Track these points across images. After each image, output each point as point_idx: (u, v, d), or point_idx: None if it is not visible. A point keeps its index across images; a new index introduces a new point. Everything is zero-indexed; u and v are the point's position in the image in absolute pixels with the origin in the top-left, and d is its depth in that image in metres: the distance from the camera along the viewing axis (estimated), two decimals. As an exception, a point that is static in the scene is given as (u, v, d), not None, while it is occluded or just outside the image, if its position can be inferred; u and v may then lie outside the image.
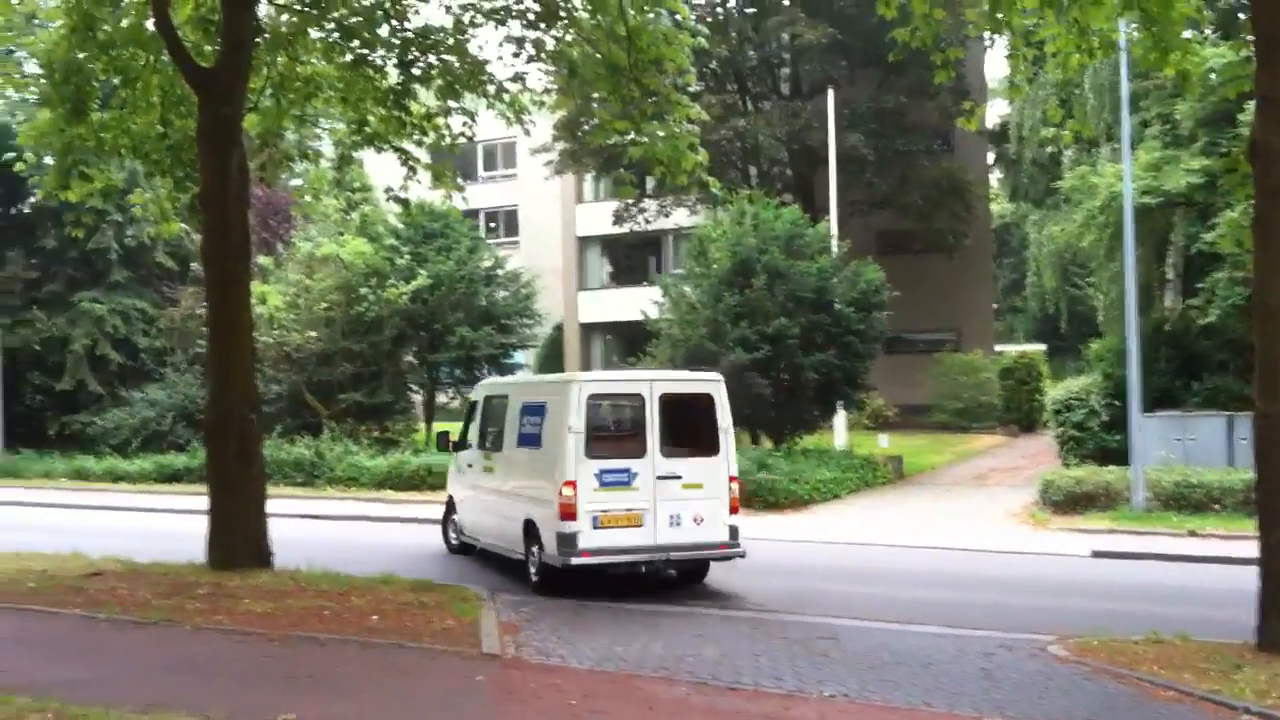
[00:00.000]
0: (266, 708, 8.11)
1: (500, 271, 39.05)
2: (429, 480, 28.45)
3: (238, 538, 15.24)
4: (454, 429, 19.89)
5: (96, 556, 16.40)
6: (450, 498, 19.42)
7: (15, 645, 10.42)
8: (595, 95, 18.71)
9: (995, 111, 48.56)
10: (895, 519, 23.57)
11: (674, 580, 15.85)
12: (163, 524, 23.77)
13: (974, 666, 10.48)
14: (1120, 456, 24.43)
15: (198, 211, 17.59)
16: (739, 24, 41.09)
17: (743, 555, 15.18)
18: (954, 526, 22.27)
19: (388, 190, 18.87)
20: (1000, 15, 13.47)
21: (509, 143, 52.13)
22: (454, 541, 19.08)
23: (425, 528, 21.44)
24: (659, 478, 14.77)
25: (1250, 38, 12.90)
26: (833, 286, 28.58)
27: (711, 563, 15.64)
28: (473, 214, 48.52)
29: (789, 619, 12.81)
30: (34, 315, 39.94)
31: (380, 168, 27.45)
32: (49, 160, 19.26)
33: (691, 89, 26.77)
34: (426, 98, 17.99)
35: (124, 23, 16.98)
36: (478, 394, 19.09)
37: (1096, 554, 18.87)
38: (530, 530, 15.45)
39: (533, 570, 15.35)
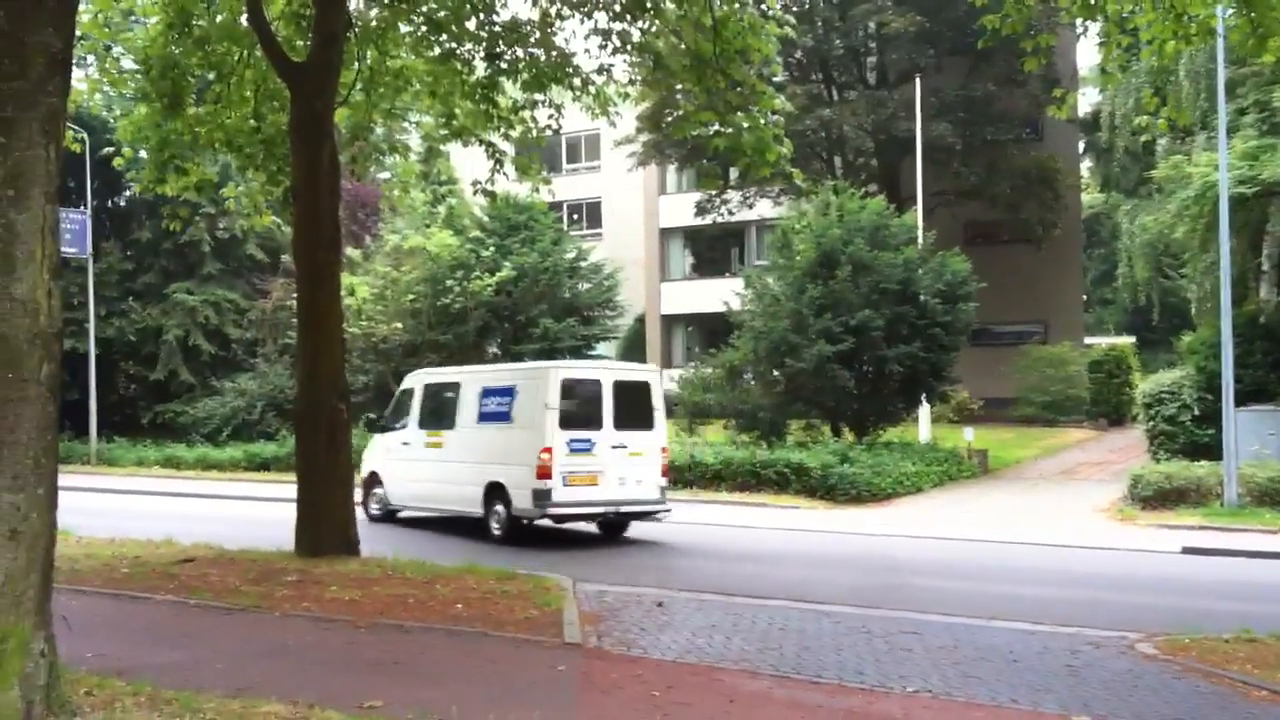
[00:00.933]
0: (354, 694, 8.23)
1: (583, 263, 39.27)
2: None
3: (326, 525, 15.49)
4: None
5: (188, 543, 16.76)
6: (372, 473, 22.34)
7: (110, 629, 10.67)
8: (680, 86, 18.71)
9: (1086, 99, 47.72)
10: (979, 514, 23.31)
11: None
12: (252, 511, 24.23)
13: (1060, 663, 10.32)
14: (1212, 451, 23.95)
15: (289, 205, 17.90)
16: (825, 13, 40.75)
17: (668, 511, 19.36)
18: (1040, 521, 21.98)
19: (475, 183, 19.06)
20: (1094, 2, 13.22)
21: (592, 135, 52.33)
22: (375, 511, 22.00)
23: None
24: (612, 447, 18.67)
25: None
26: (918, 278, 28.32)
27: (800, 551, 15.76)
28: (556, 206, 48.80)
29: (871, 613, 12.71)
30: (129, 306, 40.84)
31: (467, 161, 27.76)
32: (144, 154, 19.72)
33: (776, 79, 26.70)
34: (513, 91, 18.10)
35: (218, 18, 17.30)
36: (412, 384, 22.48)
37: (1186, 550, 18.53)
38: (494, 492, 18.81)
39: (495, 526, 18.85)
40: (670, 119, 29.01)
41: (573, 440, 18.34)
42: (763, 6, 16.67)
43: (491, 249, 36.91)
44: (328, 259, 16.27)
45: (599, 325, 39.85)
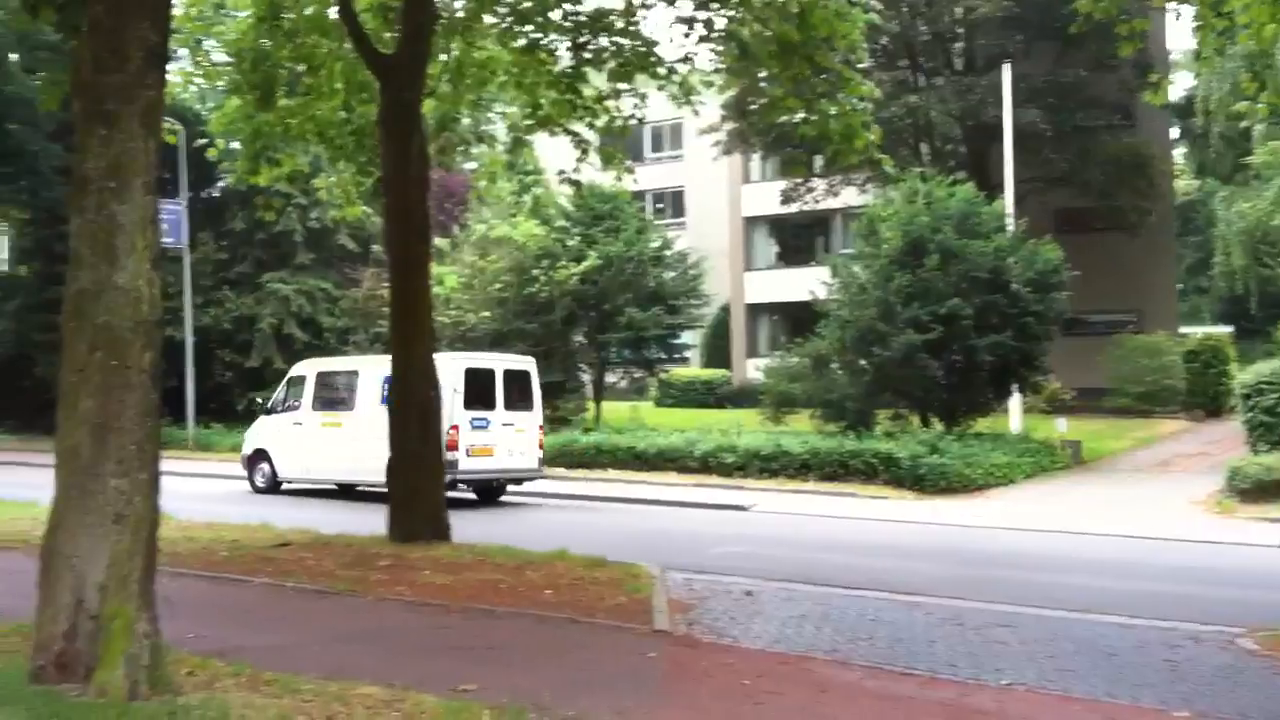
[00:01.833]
0: (448, 678, 8.31)
1: (668, 252, 39.23)
2: (599, 459, 28.62)
3: (418, 511, 15.66)
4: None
5: (284, 527, 17.00)
6: (257, 450, 25.67)
7: (210, 611, 10.89)
8: (764, 74, 18.57)
9: (1180, 84, 46.67)
10: (1073, 505, 22.94)
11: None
12: (344, 496, 24.56)
13: (1158, 658, 10.13)
14: (1314, 444, 23.30)
15: (380, 195, 18.09)
16: (911, -1, 40.29)
17: (543, 477, 23.74)
18: (1135, 514, 21.56)
19: (560, 173, 19.11)
20: (1188, -15, 12.92)
21: (676, 124, 52.24)
22: (260, 484, 25.38)
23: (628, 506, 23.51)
24: (502, 424, 22.61)
25: None
26: (1008, 266, 27.90)
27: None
28: (640, 195, 48.84)
29: (963, 605, 12.57)
30: (224, 295, 41.56)
31: (552, 150, 27.85)
32: (236, 146, 20.05)
33: (863, 65, 26.41)
34: (598, 80, 18.12)
35: (308, 11, 17.47)
36: (303, 371, 25.40)
37: (1288, 544, 18.07)
38: None
39: None
40: (754, 107, 28.89)
41: (474, 419, 22.17)
42: (849, -8, 16.40)
43: (576, 238, 37.02)
44: (418, 249, 16.43)
45: (684, 314, 39.79)
